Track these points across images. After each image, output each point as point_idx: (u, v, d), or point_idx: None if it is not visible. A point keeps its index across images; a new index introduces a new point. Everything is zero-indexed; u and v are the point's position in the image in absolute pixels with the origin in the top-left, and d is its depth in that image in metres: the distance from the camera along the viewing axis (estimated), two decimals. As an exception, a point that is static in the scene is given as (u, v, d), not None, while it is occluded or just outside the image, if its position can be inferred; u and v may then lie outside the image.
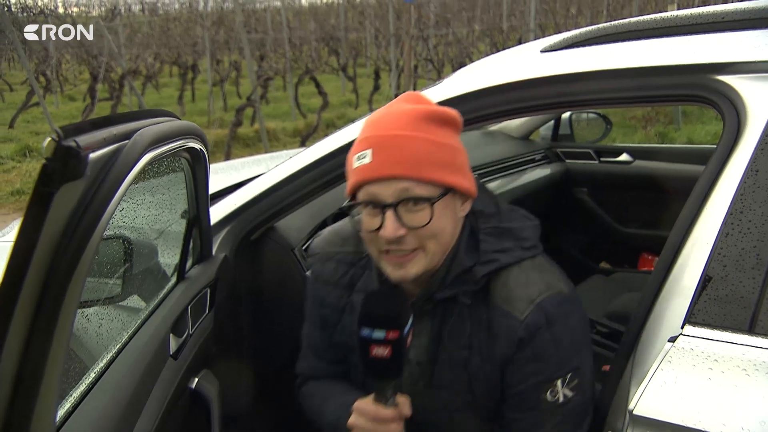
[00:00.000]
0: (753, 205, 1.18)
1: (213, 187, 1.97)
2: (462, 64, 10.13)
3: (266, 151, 7.92)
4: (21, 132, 9.95)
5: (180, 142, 1.32)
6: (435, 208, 1.19)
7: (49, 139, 0.79)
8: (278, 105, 11.98)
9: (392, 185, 1.17)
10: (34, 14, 13.60)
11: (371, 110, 8.07)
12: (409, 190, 1.16)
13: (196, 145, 1.43)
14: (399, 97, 1.33)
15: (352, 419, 1.26)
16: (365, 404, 1.24)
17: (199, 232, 1.63)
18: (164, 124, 1.22)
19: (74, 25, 10.86)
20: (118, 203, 0.97)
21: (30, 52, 11.40)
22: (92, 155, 0.87)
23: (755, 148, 1.21)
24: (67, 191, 0.83)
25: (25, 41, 10.99)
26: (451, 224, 1.26)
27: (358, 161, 1.21)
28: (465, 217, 1.32)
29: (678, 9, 11.22)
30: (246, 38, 10.13)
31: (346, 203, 1.33)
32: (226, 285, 1.77)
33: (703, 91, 1.36)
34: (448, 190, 1.22)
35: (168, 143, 1.22)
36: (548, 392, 1.23)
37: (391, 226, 1.16)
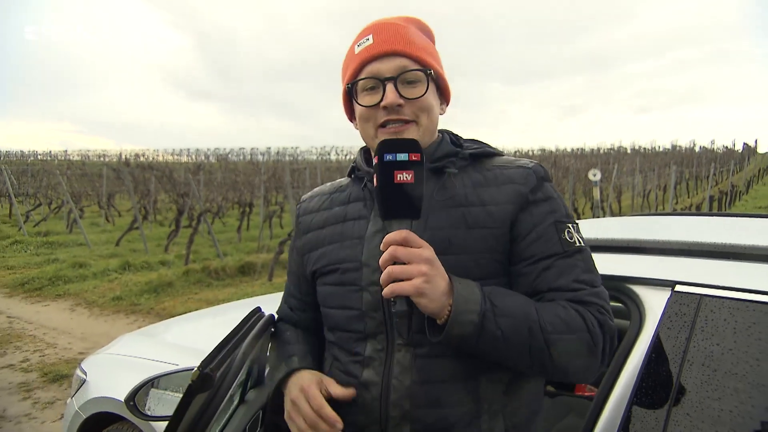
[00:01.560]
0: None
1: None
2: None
3: None
4: (124, 249, 9.95)
5: (264, 335, 1.26)
6: (429, 84, 1.05)
7: (196, 369, 0.89)
8: None
9: (392, 61, 1.04)
10: (142, 168, 14.11)
11: None
12: (406, 66, 1.04)
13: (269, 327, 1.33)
14: None
15: (294, 395, 1.06)
16: (393, 233, 0.92)
17: (258, 365, 1.45)
18: (257, 327, 1.19)
19: (170, 172, 11.38)
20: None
21: (136, 189, 11.83)
22: (217, 373, 0.94)
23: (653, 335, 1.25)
24: (200, 398, 0.93)
25: (136, 182, 11.49)
26: (437, 109, 1.10)
27: (360, 46, 1.07)
28: (443, 132, 1.17)
29: (600, 175, 11.45)
30: (290, 188, 10.51)
31: (347, 84, 1.10)
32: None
33: (618, 293, 1.40)
34: (435, 77, 1.09)
35: (259, 339, 1.19)
36: (565, 232, 1.02)
37: (392, 94, 1.02)
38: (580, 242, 1.03)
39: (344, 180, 1.25)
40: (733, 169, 25.88)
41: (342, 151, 73.20)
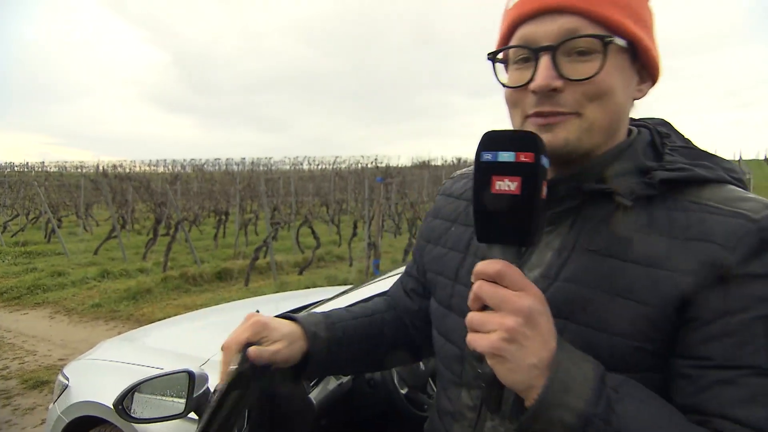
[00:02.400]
0: None
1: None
2: (414, 222, 10.65)
3: (275, 278, 7.97)
4: (102, 258, 9.72)
5: None
6: (607, 57, 0.65)
7: (233, 367, 0.81)
8: (283, 242, 11.93)
9: (555, 21, 0.66)
10: (120, 179, 13.86)
11: (350, 249, 8.17)
12: (576, 30, 0.65)
13: None
14: None
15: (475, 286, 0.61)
16: (485, 262, 0.61)
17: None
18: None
19: (148, 182, 11.22)
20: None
21: (114, 199, 11.60)
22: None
23: None
24: (234, 395, 0.83)
25: (114, 192, 11.30)
26: (624, 96, 0.69)
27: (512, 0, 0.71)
28: (641, 129, 0.75)
29: None
30: (265, 197, 10.43)
31: (488, 56, 0.73)
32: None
33: None
34: (626, 44, 0.67)
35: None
36: None
37: (544, 73, 0.65)
38: None
39: None
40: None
41: (314, 160, 72.91)
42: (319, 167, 60.89)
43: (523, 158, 0.59)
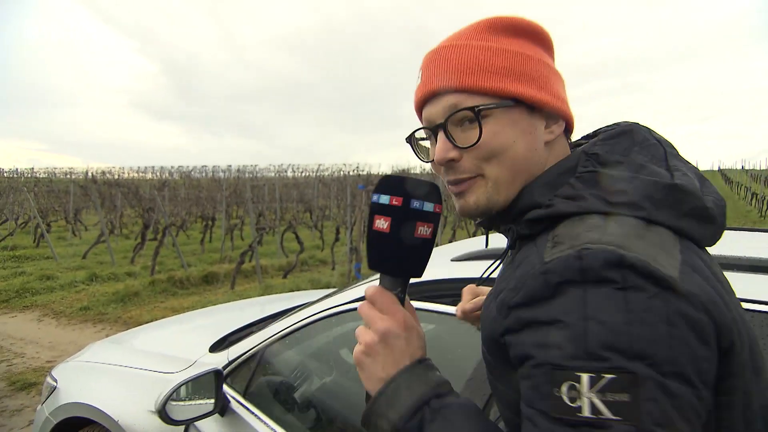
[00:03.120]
0: None
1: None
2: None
3: (260, 282, 7.94)
4: (91, 262, 9.58)
5: None
6: (489, 120, 0.68)
7: None
8: (269, 247, 11.85)
9: (440, 102, 0.71)
10: (109, 185, 13.63)
11: (332, 254, 8.16)
12: (456, 105, 0.69)
13: None
14: None
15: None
16: (370, 286, 0.71)
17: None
18: None
19: (136, 188, 11.08)
20: None
21: (103, 205, 11.41)
22: None
23: None
24: None
25: (103, 198, 11.15)
26: (523, 145, 0.70)
27: (416, 85, 0.75)
28: (563, 162, 0.71)
29: None
30: (251, 203, 10.38)
31: (407, 138, 0.78)
32: None
33: None
34: (513, 102, 0.69)
35: None
36: (563, 386, 0.52)
37: (440, 146, 0.70)
38: (596, 410, 0.51)
39: None
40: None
41: (298, 168, 72.63)
42: (303, 174, 60.72)
43: (394, 202, 0.67)
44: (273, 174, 63.72)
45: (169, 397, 1.62)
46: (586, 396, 0.52)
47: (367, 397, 0.69)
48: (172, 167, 65.93)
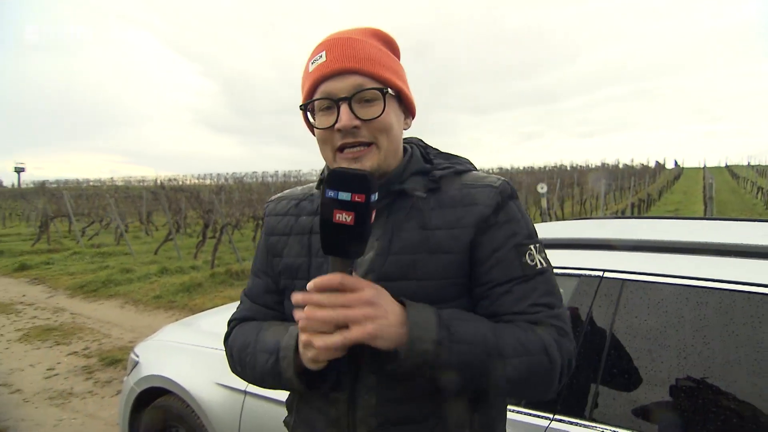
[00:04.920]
0: None
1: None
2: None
3: None
4: (161, 257, 9.83)
5: None
6: (386, 103, 0.80)
7: None
8: None
9: (347, 80, 0.79)
10: (175, 190, 14.01)
11: None
12: (362, 85, 0.79)
13: None
14: None
15: (306, 300, 0.70)
16: (324, 277, 0.70)
17: None
18: None
19: (197, 193, 11.34)
20: None
21: (170, 208, 11.74)
22: None
23: None
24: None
25: (170, 202, 11.46)
26: (399, 128, 0.85)
27: (314, 63, 0.81)
28: (412, 146, 0.92)
29: (547, 188, 11.57)
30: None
31: (300, 105, 0.85)
32: None
33: None
34: (395, 93, 0.83)
35: None
36: (527, 255, 0.81)
37: (346, 116, 0.78)
38: (541, 263, 0.82)
39: (316, 190, 0.95)
40: (648, 181, 26.34)
41: (337, 172, 72.67)
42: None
43: (356, 198, 0.68)
44: (315, 178, 63.97)
45: None
46: (537, 257, 0.82)
47: (384, 354, 0.73)
48: (227, 174, 67.31)
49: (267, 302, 0.96)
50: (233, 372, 0.95)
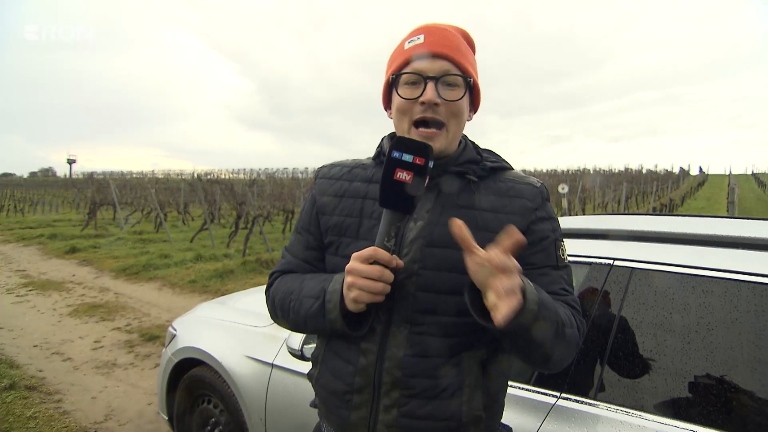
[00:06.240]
0: None
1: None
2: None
3: None
4: (196, 245, 10.01)
5: None
6: (464, 91, 0.88)
7: None
8: None
9: (437, 62, 0.86)
10: (210, 183, 14.25)
11: None
12: (449, 70, 0.86)
13: None
14: None
15: (350, 264, 0.80)
16: (363, 251, 0.80)
17: None
18: None
19: (231, 186, 11.54)
20: None
21: (205, 199, 11.98)
22: None
23: None
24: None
25: (205, 194, 11.69)
26: (465, 116, 0.92)
27: (410, 43, 0.89)
28: (466, 138, 0.99)
29: (568, 189, 11.32)
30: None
31: (391, 75, 0.90)
32: None
33: None
34: (471, 86, 0.90)
35: None
36: (560, 250, 0.92)
37: (431, 92, 0.85)
38: (566, 260, 0.93)
39: (367, 160, 1.02)
40: (671, 187, 25.56)
41: (364, 171, 72.50)
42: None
43: (417, 161, 0.77)
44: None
45: (303, 343, 1.77)
46: (565, 253, 0.93)
47: (475, 309, 0.76)
48: (260, 169, 68.07)
49: (307, 257, 1.00)
50: (272, 318, 1.01)
